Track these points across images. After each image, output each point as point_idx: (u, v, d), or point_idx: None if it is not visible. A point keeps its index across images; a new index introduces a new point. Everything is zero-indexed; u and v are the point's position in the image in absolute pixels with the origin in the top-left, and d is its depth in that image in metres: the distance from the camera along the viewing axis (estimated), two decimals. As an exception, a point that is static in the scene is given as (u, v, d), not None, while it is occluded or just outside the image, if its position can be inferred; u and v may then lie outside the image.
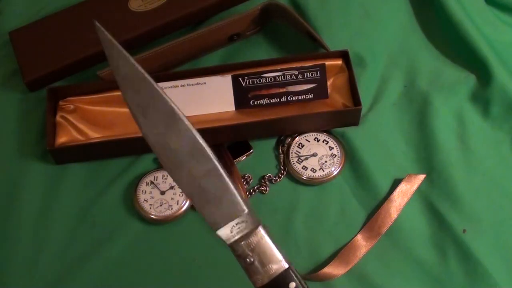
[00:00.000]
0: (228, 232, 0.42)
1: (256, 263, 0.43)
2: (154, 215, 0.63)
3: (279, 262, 0.43)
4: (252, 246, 0.43)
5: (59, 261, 0.61)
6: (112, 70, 0.43)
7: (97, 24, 0.41)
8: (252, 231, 0.43)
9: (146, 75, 0.42)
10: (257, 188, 0.66)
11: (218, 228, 0.43)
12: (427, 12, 0.78)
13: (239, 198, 0.43)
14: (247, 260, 0.43)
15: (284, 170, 0.67)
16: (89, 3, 0.73)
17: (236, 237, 0.42)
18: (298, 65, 0.67)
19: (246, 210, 0.43)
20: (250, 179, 0.66)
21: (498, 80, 0.70)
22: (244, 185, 0.66)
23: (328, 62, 0.68)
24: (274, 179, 0.67)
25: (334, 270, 0.60)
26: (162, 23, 0.70)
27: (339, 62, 0.69)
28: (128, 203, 0.65)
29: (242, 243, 0.43)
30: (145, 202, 0.63)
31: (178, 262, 0.62)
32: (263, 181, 0.66)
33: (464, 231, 0.62)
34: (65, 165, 0.66)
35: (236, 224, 0.42)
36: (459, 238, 0.62)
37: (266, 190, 0.66)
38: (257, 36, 0.76)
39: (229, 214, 0.42)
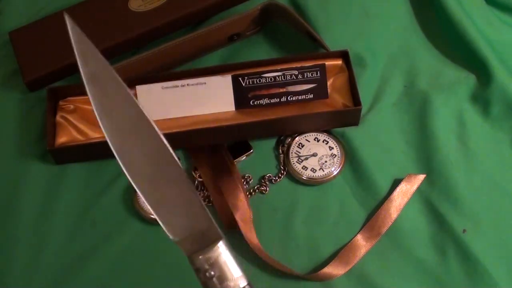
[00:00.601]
0: (187, 244, 0.41)
1: (214, 279, 0.41)
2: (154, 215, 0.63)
3: (237, 279, 0.41)
4: (211, 261, 0.41)
5: (59, 261, 0.61)
6: (79, 65, 0.40)
7: (67, 16, 0.40)
8: (212, 245, 0.41)
9: (116, 74, 0.39)
10: (257, 188, 0.66)
11: (176, 239, 0.41)
12: (427, 12, 0.78)
13: (202, 209, 0.41)
14: (206, 274, 0.41)
15: (284, 170, 0.67)
16: (89, 3, 0.73)
17: (195, 250, 0.41)
18: (298, 65, 0.67)
19: (208, 223, 0.41)
20: (250, 179, 0.66)
21: (498, 80, 0.70)
22: (244, 185, 0.66)
23: (328, 62, 0.68)
24: (274, 179, 0.67)
25: (334, 270, 0.60)
26: (162, 23, 0.70)
27: (339, 62, 0.69)
28: (128, 203, 0.65)
29: (201, 257, 0.41)
30: (145, 202, 0.63)
31: (178, 262, 0.61)
32: (263, 181, 0.66)
33: (464, 231, 0.62)
34: (65, 165, 0.66)
35: (196, 236, 0.41)
36: (459, 238, 0.62)
37: (266, 190, 0.66)
38: (257, 36, 0.76)
39: (190, 225, 0.41)
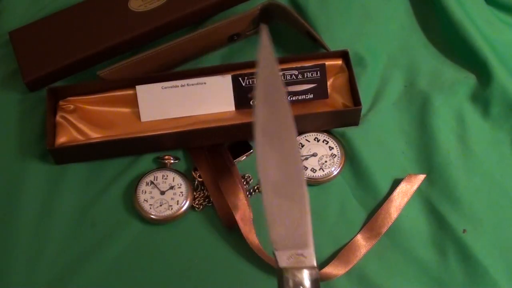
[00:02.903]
0: (285, 257, 0.42)
1: None
2: (154, 215, 0.63)
3: None
4: (296, 281, 0.41)
5: (59, 261, 0.61)
6: (256, 80, 0.39)
7: (264, 28, 0.38)
8: (304, 270, 0.42)
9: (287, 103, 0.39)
10: (257, 188, 0.66)
11: (279, 249, 0.42)
12: (427, 12, 0.78)
13: (310, 234, 0.42)
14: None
15: (284, 170, 0.67)
16: (89, 3, 0.73)
17: (289, 266, 0.41)
18: (298, 65, 0.67)
19: (311, 249, 0.42)
20: (250, 179, 0.66)
21: (498, 80, 0.70)
22: (244, 185, 0.66)
23: (328, 62, 0.68)
24: (274, 179, 0.67)
25: (334, 270, 0.60)
26: (162, 23, 0.70)
27: (339, 62, 0.69)
28: (128, 203, 0.65)
29: (290, 274, 0.41)
30: (145, 202, 0.63)
31: (178, 262, 0.62)
32: (263, 181, 0.66)
33: (464, 231, 0.62)
34: (65, 165, 0.66)
35: (296, 255, 0.42)
36: (459, 238, 0.62)
37: (266, 190, 0.66)
38: (257, 36, 0.76)
39: (295, 243, 0.42)
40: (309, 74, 0.67)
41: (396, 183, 0.65)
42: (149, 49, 0.69)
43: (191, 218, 0.64)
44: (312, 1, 0.77)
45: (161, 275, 0.61)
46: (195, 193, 0.65)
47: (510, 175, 0.67)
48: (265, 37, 0.38)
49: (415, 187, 0.65)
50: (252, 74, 0.66)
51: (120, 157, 0.67)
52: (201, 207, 0.65)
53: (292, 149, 0.39)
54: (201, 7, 0.71)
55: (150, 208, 0.63)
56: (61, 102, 0.67)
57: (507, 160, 0.68)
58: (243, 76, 0.67)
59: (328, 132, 0.68)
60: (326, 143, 0.67)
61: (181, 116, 0.67)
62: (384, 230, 0.62)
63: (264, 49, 0.38)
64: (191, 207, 0.64)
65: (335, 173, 0.66)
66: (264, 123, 0.40)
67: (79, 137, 0.66)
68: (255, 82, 0.36)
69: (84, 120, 0.67)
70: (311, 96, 0.67)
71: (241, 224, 0.62)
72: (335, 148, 0.67)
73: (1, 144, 0.68)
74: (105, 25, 0.71)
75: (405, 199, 0.64)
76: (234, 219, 0.62)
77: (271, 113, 0.39)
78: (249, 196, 0.65)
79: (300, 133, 0.68)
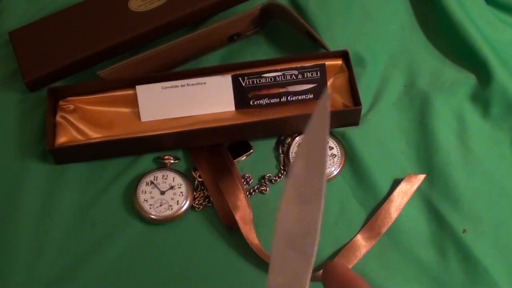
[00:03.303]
0: None
1: None
2: (154, 215, 0.63)
3: None
4: None
5: (59, 261, 0.61)
6: (304, 134, 0.38)
7: (327, 93, 0.36)
8: None
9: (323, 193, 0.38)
10: (257, 188, 0.66)
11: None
12: (427, 12, 0.78)
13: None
14: None
15: (284, 170, 0.67)
16: (89, 3, 0.73)
17: None
18: (298, 65, 0.67)
19: None
20: (250, 179, 0.66)
21: (498, 80, 0.70)
22: (244, 185, 0.66)
23: (328, 62, 0.68)
24: (274, 179, 0.67)
25: (334, 270, 0.60)
26: (162, 23, 0.70)
27: (339, 62, 0.69)
28: (128, 203, 0.65)
29: None
30: (145, 202, 0.63)
31: (178, 262, 0.62)
32: (263, 181, 0.66)
33: (464, 231, 0.62)
34: (65, 165, 0.66)
35: None
36: (459, 238, 0.62)
37: (266, 190, 0.66)
38: (257, 36, 0.76)
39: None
40: (309, 74, 0.67)
41: (396, 183, 0.65)
42: (149, 49, 0.68)
43: (191, 218, 0.64)
44: (312, 1, 0.77)
45: (161, 275, 0.61)
46: (195, 193, 0.65)
47: (510, 175, 0.67)
48: (326, 98, 0.38)
49: (415, 187, 0.65)
50: (252, 74, 0.67)
51: (120, 157, 0.67)
52: (201, 207, 0.65)
53: (316, 213, 0.39)
54: (201, 7, 0.71)
55: (150, 208, 0.63)
56: (61, 102, 0.67)
57: (507, 160, 0.68)
58: (243, 76, 0.67)
59: (328, 132, 0.68)
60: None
61: (181, 116, 0.67)
62: (384, 230, 0.62)
63: (321, 109, 0.38)
64: (191, 207, 0.64)
65: (335, 173, 0.66)
66: (298, 178, 0.40)
67: (79, 137, 0.66)
68: (303, 135, 0.35)
69: (84, 120, 0.67)
70: (311, 96, 0.67)
71: (241, 224, 0.62)
72: (335, 148, 0.67)
73: (1, 144, 0.68)
74: (105, 25, 0.71)
75: (405, 199, 0.64)
76: (234, 219, 0.62)
77: (307, 171, 0.39)
78: (249, 196, 0.65)
79: (300, 133, 0.68)
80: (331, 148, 0.67)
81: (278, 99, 0.67)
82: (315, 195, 0.39)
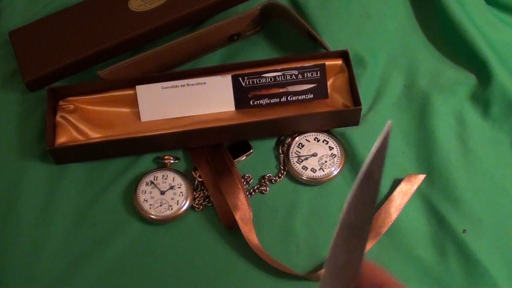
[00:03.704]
0: None
1: None
2: (154, 215, 0.63)
3: None
4: None
5: (59, 261, 0.61)
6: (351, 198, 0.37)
7: (388, 125, 0.35)
8: None
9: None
10: (257, 188, 0.66)
11: None
12: (427, 12, 0.78)
13: None
14: None
15: (284, 170, 0.67)
16: (89, 3, 0.73)
17: None
18: (298, 65, 0.67)
19: None
20: (250, 179, 0.66)
21: (498, 80, 0.70)
22: (244, 185, 0.66)
23: (328, 62, 0.68)
24: (274, 179, 0.67)
25: (334, 270, 0.60)
26: (162, 23, 0.70)
27: (339, 62, 0.69)
28: (128, 203, 0.65)
29: None
30: (145, 202, 0.63)
31: (178, 262, 0.62)
32: (263, 181, 0.66)
33: (464, 231, 0.62)
34: (65, 165, 0.66)
35: None
36: (459, 238, 0.62)
37: (266, 190, 0.66)
38: (257, 36, 0.76)
39: None
40: (309, 74, 0.67)
41: (396, 183, 0.65)
42: (149, 49, 0.68)
43: (191, 218, 0.64)
44: (312, 1, 0.77)
45: (161, 275, 0.61)
46: (195, 193, 0.65)
47: (510, 175, 0.67)
48: (387, 132, 0.37)
49: (415, 187, 0.65)
50: (252, 74, 0.66)
51: (120, 157, 0.67)
52: (201, 207, 0.65)
53: (361, 249, 0.39)
54: (201, 7, 0.71)
55: (150, 208, 0.63)
56: (61, 102, 0.67)
57: (507, 160, 0.68)
58: (243, 76, 0.66)
59: (328, 132, 0.68)
60: (326, 143, 0.67)
61: (181, 116, 0.67)
62: (384, 230, 0.62)
63: (383, 141, 0.37)
64: (191, 207, 0.64)
65: (335, 173, 0.66)
66: (350, 208, 0.39)
67: (79, 137, 0.66)
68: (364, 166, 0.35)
69: (84, 120, 0.67)
70: (311, 96, 0.67)
71: (241, 224, 0.62)
72: (335, 148, 0.67)
73: (1, 144, 0.68)
74: (105, 25, 0.71)
75: (405, 199, 0.64)
76: (234, 219, 0.62)
77: (359, 202, 0.39)
78: (249, 196, 0.65)
79: (300, 133, 0.68)
80: (331, 148, 0.67)
81: (278, 99, 0.67)
82: (363, 232, 0.39)
